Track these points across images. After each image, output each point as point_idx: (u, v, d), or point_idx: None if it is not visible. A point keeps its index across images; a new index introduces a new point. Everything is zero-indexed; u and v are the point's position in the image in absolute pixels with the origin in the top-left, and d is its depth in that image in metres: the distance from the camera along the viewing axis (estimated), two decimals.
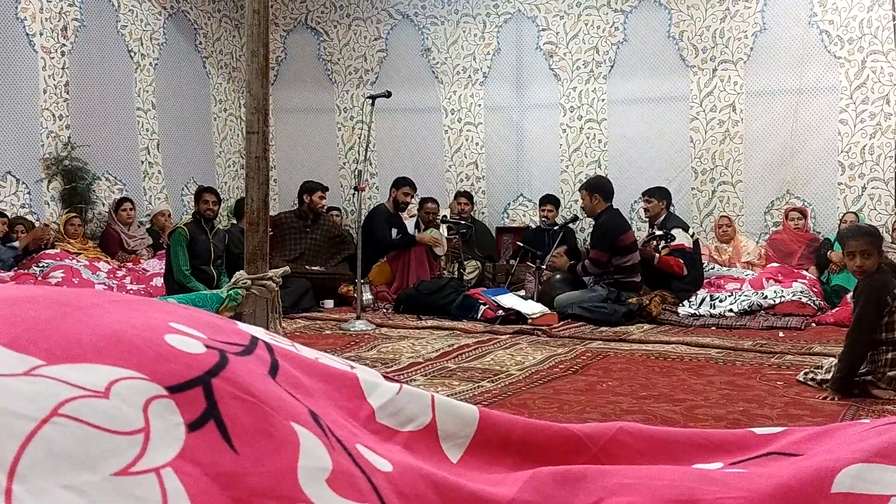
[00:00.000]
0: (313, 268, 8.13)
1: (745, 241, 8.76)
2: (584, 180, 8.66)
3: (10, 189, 8.20)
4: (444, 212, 9.30)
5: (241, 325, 1.29)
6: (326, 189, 8.75)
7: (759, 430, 1.57)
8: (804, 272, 7.86)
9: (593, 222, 7.69)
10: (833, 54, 8.62)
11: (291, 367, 1.22)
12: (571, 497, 1.24)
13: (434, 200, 9.12)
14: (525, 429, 1.45)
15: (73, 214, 8.41)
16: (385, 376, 1.42)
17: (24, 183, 8.32)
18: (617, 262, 7.23)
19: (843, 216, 8.29)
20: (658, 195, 8.07)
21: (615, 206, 7.55)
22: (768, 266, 8.15)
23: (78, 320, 1.09)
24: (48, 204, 8.56)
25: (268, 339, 1.26)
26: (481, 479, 1.27)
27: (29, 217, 8.27)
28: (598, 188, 7.45)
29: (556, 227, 8.47)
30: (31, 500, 0.87)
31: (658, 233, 7.61)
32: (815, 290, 7.48)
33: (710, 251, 8.70)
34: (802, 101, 8.74)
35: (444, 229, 8.66)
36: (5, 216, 7.90)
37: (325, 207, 8.74)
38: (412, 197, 8.77)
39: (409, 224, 8.92)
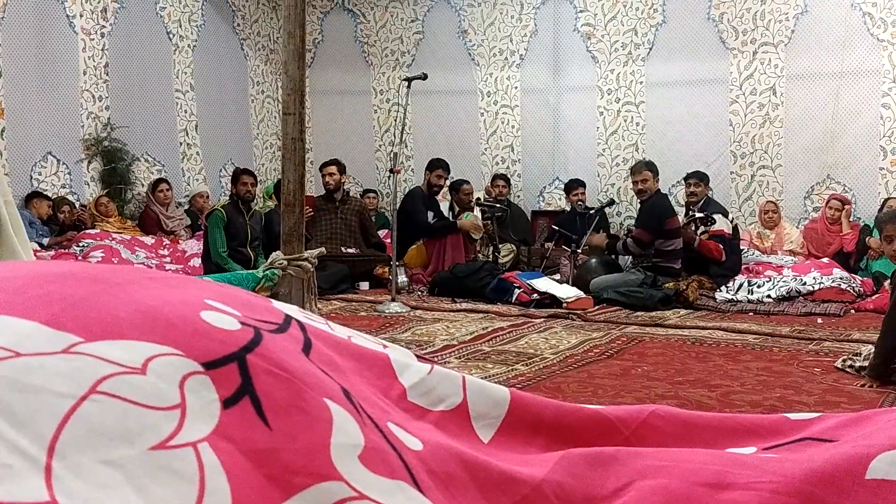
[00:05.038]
0: (348, 249, 8.15)
1: (789, 229, 8.64)
2: (626, 163, 8.64)
3: (51, 169, 8.32)
4: (478, 194, 9.27)
5: (275, 304, 1.30)
6: (331, 164, 8.37)
7: (793, 416, 1.56)
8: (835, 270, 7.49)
9: (639, 204, 7.66)
10: (876, 37, 8.47)
11: (324, 345, 1.23)
12: (602, 478, 1.24)
13: (468, 182, 9.05)
14: (556, 411, 1.45)
15: (101, 194, 8.54)
16: (417, 356, 1.42)
17: (64, 163, 8.44)
18: (660, 246, 7.19)
19: (884, 201, 8.16)
20: (705, 179, 8.08)
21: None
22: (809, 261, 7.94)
23: (115, 297, 1.10)
24: (88, 184, 8.67)
25: (301, 318, 1.27)
26: (512, 458, 1.28)
27: (69, 197, 8.39)
28: (658, 170, 7.45)
29: (591, 211, 8.43)
30: (70, 476, 0.88)
31: (699, 215, 7.55)
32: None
33: (752, 237, 8.60)
34: (844, 85, 8.60)
35: (478, 212, 8.63)
36: (49, 199, 8.03)
37: (336, 184, 8.29)
38: (445, 179, 8.73)
39: (445, 206, 8.91)
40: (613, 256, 7.78)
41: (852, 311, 6.62)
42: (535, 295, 6.76)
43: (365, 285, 7.83)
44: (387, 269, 7.60)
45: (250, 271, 3.54)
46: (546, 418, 1.42)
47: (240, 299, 1.21)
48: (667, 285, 6.94)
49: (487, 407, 1.38)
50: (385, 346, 1.40)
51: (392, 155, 7.19)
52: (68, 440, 0.91)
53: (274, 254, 3.57)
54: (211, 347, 1.05)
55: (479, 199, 8.95)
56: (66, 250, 7.56)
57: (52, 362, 0.98)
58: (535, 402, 1.44)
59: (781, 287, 7.05)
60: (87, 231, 7.97)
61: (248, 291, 1.52)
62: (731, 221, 7.87)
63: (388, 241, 7.88)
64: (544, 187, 10.10)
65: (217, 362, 1.04)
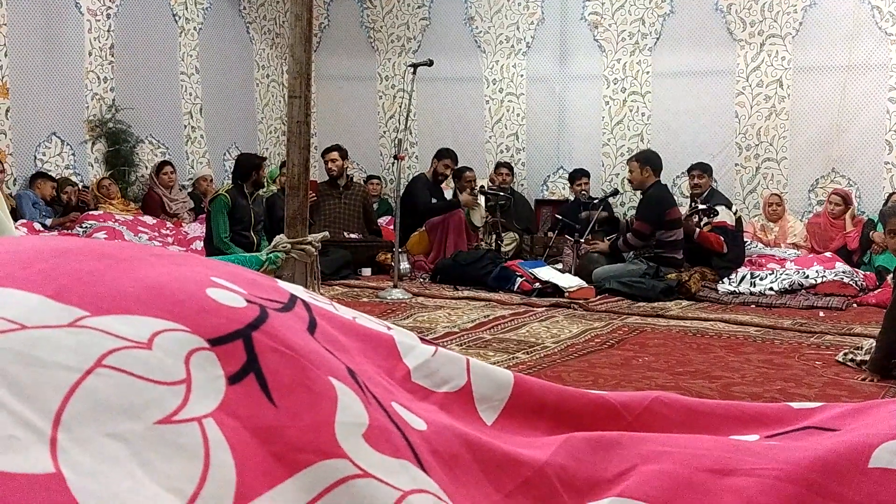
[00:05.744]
0: (351, 234, 8.15)
1: (793, 222, 8.61)
2: (631, 153, 8.61)
3: (56, 150, 8.32)
4: (482, 182, 9.25)
5: (281, 283, 1.30)
6: (332, 150, 8.43)
7: (796, 405, 1.56)
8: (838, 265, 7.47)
9: (640, 195, 7.64)
10: (884, 31, 8.44)
11: (329, 325, 1.23)
12: (605, 462, 1.24)
13: (470, 169, 9.03)
14: (559, 395, 1.45)
15: (104, 176, 8.55)
16: (421, 339, 1.43)
17: (68, 144, 8.44)
18: (661, 237, 7.18)
19: (889, 196, 8.14)
20: (708, 171, 8.08)
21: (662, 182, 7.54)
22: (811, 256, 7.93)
23: (122, 272, 1.10)
24: (92, 166, 8.67)
25: (306, 298, 1.27)
26: (515, 441, 1.28)
27: (73, 178, 8.40)
28: (649, 161, 7.41)
29: (595, 201, 8.41)
30: (75, 449, 0.89)
31: (702, 207, 7.54)
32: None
33: (756, 230, 8.58)
34: (851, 78, 8.58)
35: (481, 200, 8.63)
36: (54, 180, 8.04)
37: (339, 169, 8.33)
38: (451, 169, 8.73)
39: (448, 194, 8.91)
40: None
41: (854, 305, 6.61)
42: (537, 284, 6.76)
43: (367, 271, 7.83)
44: (389, 256, 7.60)
45: (254, 254, 3.54)
46: (549, 402, 1.42)
47: (246, 278, 1.21)
48: (669, 276, 6.94)
49: (491, 390, 1.38)
50: (389, 328, 1.40)
51: (396, 141, 7.18)
52: (74, 413, 0.91)
53: (278, 237, 3.57)
54: (217, 324, 1.06)
55: (482, 186, 8.94)
56: (70, 231, 7.56)
57: (57, 335, 0.98)
58: (539, 386, 1.44)
59: (784, 280, 7.04)
60: (91, 212, 7.97)
61: (254, 271, 1.52)
62: (735, 213, 7.86)
63: (391, 227, 7.88)
64: (548, 176, 10.09)
65: (223, 339, 1.04)
